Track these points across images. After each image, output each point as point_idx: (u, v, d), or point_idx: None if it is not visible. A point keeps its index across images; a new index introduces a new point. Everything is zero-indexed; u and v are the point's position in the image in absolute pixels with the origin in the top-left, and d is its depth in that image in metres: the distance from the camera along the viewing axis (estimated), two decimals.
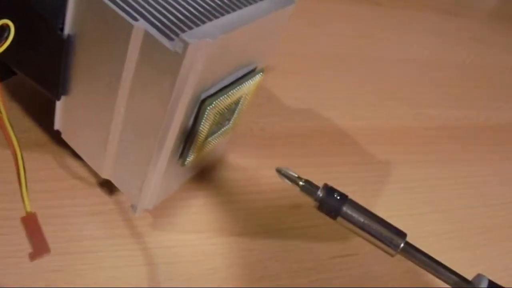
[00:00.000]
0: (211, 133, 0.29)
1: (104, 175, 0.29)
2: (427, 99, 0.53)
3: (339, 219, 0.27)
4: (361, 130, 0.45)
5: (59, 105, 0.29)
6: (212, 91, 0.27)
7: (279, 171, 0.27)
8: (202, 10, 0.26)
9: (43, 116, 0.34)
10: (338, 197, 0.27)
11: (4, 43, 0.24)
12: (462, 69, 0.60)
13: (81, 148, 0.30)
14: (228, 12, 0.26)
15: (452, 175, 0.45)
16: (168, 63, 0.23)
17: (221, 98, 0.27)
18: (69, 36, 0.25)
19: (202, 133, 0.28)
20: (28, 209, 0.25)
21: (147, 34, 0.23)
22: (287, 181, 0.27)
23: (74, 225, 0.30)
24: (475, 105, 0.55)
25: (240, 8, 0.27)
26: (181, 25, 0.24)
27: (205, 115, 0.27)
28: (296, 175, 0.27)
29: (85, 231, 0.29)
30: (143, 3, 0.24)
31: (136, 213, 0.29)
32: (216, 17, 0.26)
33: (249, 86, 0.30)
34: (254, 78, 0.30)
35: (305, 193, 0.27)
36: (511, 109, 0.57)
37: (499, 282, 0.27)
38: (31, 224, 0.25)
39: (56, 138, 0.32)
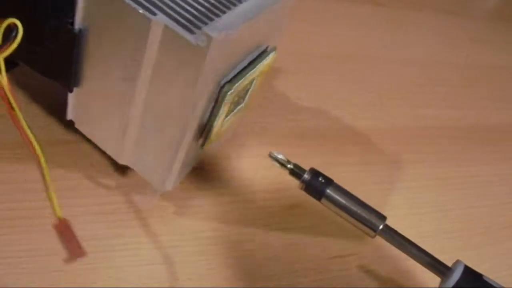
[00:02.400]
0: (227, 114, 0.30)
1: (122, 161, 0.30)
2: (427, 99, 0.53)
3: (323, 200, 0.29)
4: (361, 130, 0.45)
5: (71, 96, 0.29)
6: (230, 76, 0.27)
7: (271, 155, 0.30)
8: None
9: (45, 118, 0.34)
10: (323, 181, 0.29)
11: (12, 43, 0.23)
12: (462, 69, 0.60)
13: (97, 136, 0.30)
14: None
15: (452, 175, 0.45)
16: (192, 56, 0.23)
17: (239, 82, 0.28)
18: (80, 30, 0.25)
19: (221, 116, 0.29)
20: (60, 215, 0.25)
21: (167, 29, 0.23)
22: (277, 164, 0.30)
23: (74, 225, 0.30)
24: (475, 105, 0.55)
25: None
26: (200, 16, 0.24)
27: (225, 100, 0.27)
28: (286, 159, 0.30)
29: (85, 231, 0.29)
30: None
31: (158, 195, 0.31)
32: (234, 4, 0.26)
33: (263, 65, 0.30)
34: (268, 57, 0.30)
35: (293, 175, 0.30)
36: (511, 109, 0.57)
37: (500, 282, 0.27)
38: (64, 230, 0.26)
39: (58, 139, 0.32)
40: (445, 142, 0.48)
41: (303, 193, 0.30)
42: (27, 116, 0.26)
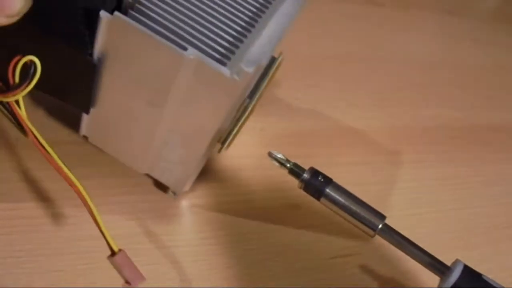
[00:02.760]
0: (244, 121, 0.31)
1: (142, 171, 0.30)
2: (427, 99, 0.53)
3: (323, 200, 0.29)
4: (361, 130, 0.45)
5: (86, 116, 0.29)
6: (249, 90, 0.29)
7: (270, 154, 0.30)
8: (240, 22, 0.26)
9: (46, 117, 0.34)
10: (322, 180, 0.29)
11: (31, 82, 0.23)
12: (462, 69, 0.60)
13: (114, 150, 0.30)
14: (260, 17, 0.27)
15: (452, 175, 0.45)
16: (225, 87, 0.23)
17: (258, 95, 0.29)
18: (99, 59, 0.25)
19: (239, 125, 0.30)
20: (116, 249, 0.26)
21: (200, 63, 0.23)
22: (276, 164, 0.30)
23: (74, 225, 0.30)
24: (475, 105, 0.55)
25: (267, 8, 0.27)
26: (227, 45, 0.24)
27: (246, 113, 0.29)
28: (285, 158, 0.30)
29: (84, 231, 0.29)
30: (183, 25, 0.24)
31: (176, 197, 0.32)
32: (252, 26, 0.26)
33: (273, 72, 0.32)
34: (276, 63, 0.32)
35: (292, 175, 0.30)
36: (511, 109, 0.57)
37: (499, 282, 0.27)
38: (122, 261, 0.26)
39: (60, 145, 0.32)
40: (445, 142, 0.48)
41: (303, 193, 0.30)
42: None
